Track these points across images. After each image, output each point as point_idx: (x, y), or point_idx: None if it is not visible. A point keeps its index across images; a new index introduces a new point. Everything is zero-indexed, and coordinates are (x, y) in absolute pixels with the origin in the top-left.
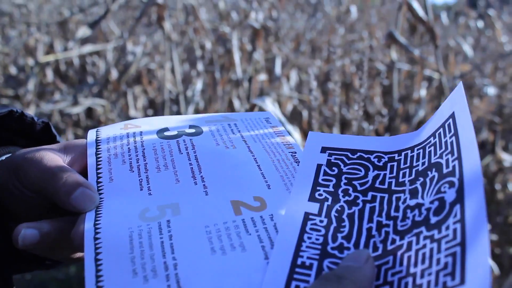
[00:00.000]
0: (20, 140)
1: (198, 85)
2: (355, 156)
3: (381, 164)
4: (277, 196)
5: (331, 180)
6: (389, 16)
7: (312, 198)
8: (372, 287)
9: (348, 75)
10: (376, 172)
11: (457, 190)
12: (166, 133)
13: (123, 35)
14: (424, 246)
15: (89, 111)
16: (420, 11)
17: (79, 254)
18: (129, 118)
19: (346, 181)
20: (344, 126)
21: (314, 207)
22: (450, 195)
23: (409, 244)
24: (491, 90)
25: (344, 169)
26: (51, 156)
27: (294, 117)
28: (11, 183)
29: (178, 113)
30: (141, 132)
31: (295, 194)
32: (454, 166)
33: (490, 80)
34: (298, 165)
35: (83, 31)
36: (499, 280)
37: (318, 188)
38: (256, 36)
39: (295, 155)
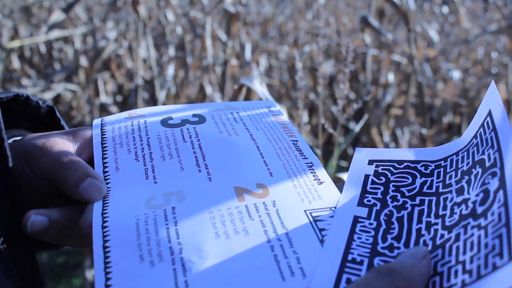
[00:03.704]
0: (24, 123)
1: (170, 70)
2: (401, 166)
3: (428, 171)
4: (279, 183)
5: (379, 188)
6: (356, 1)
7: (361, 204)
8: (425, 284)
9: (315, 60)
10: (423, 179)
11: (499, 178)
12: (170, 122)
13: (93, 20)
14: (472, 235)
15: (57, 97)
16: None
17: (87, 242)
18: (100, 104)
19: (394, 188)
20: (313, 110)
21: (363, 211)
22: (493, 184)
23: (457, 235)
24: (456, 74)
25: (392, 178)
26: (61, 145)
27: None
28: (20, 169)
29: (151, 98)
30: (145, 120)
31: (344, 200)
32: (495, 158)
33: (454, 64)
34: (299, 153)
35: (57, 16)
36: None
37: (366, 195)
38: (231, 21)
39: (296, 143)
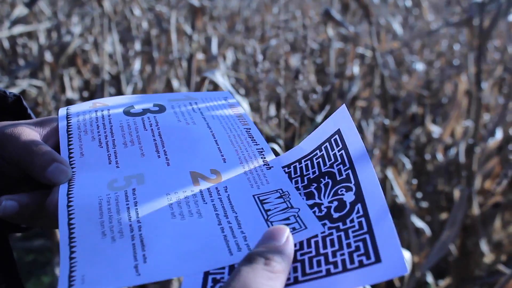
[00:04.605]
0: None
1: (136, 65)
2: None
3: None
4: (231, 169)
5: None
6: None
7: None
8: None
9: (278, 52)
10: None
11: (355, 193)
12: (132, 111)
13: (57, 15)
14: (331, 234)
15: (22, 94)
16: None
17: (55, 223)
18: (66, 100)
19: None
20: (280, 104)
21: None
22: (348, 197)
23: None
24: (420, 66)
25: None
26: (29, 132)
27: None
28: None
29: (118, 93)
30: (108, 109)
31: None
32: (348, 174)
33: (418, 56)
34: (251, 140)
35: (20, 10)
36: (430, 240)
37: None
38: (195, 15)
39: (249, 131)
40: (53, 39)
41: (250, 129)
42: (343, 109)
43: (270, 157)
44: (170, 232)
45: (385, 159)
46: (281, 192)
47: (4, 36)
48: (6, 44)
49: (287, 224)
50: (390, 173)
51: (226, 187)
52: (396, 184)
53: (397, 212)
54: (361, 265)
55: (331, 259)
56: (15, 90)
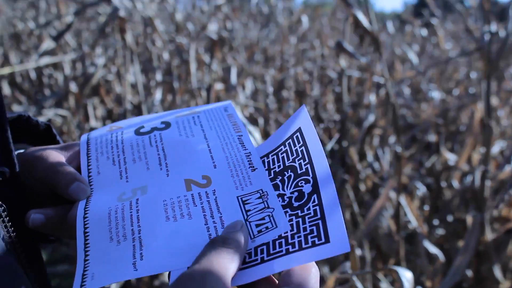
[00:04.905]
0: (26, 138)
1: (157, 94)
2: None
3: None
4: (220, 174)
5: None
6: (340, 25)
7: None
8: (247, 245)
9: (301, 82)
10: None
11: (312, 185)
12: (142, 130)
13: (82, 46)
14: (291, 220)
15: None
16: (365, 22)
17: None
18: (90, 128)
19: None
20: None
21: None
22: (307, 188)
23: None
24: (436, 94)
25: None
26: (55, 155)
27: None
28: (23, 176)
29: None
30: (122, 131)
31: None
32: (307, 168)
33: (436, 85)
34: (241, 145)
35: (48, 44)
36: (446, 267)
37: None
38: (214, 47)
39: (241, 137)
40: (78, 70)
41: (242, 135)
42: (302, 109)
43: (256, 159)
44: (163, 232)
45: (398, 186)
46: (261, 192)
47: (31, 67)
48: (33, 75)
49: (263, 224)
50: (403, 199)
51: (214, 190)
52: (409, 210)
53: (411, 238)
54: (314, 244)
55: (290, 240)
56: (41, 119)
